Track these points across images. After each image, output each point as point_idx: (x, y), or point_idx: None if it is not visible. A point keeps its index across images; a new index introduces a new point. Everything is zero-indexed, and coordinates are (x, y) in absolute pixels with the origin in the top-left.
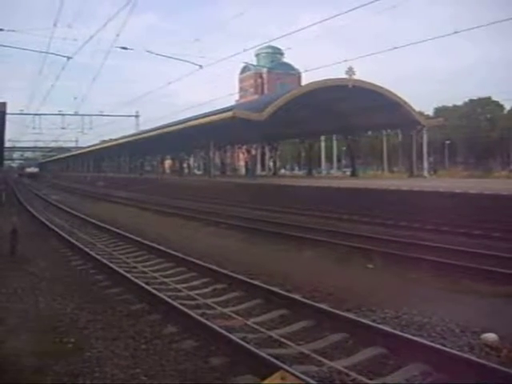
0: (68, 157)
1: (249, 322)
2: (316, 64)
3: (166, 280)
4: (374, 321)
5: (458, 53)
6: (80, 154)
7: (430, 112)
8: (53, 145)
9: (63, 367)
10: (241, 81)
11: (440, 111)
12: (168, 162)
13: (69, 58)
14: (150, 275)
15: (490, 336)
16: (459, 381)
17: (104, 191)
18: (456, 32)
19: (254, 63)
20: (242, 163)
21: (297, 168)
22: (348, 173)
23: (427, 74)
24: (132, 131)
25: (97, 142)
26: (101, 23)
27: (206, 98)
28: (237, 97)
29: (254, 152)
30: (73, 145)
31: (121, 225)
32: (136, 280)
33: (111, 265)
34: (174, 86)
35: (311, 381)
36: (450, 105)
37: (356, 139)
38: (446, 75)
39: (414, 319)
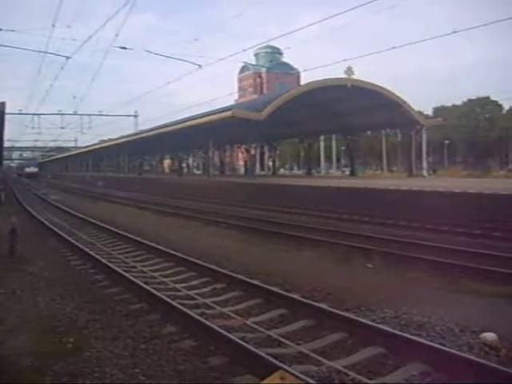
0: (67, 157)
1: (248, 322)
2: (315, 64)
3: (165, 280)
4: (373, 320)
5: (457, 53)
6: (79, 153)
7: (429, 112)
8: (52, 144)
9: (62, 367)
10: (240, 80)
11: (439, 111)
12: (167, 162)
13: (68, 57)
14: (149, 275)
15: (490, 335)
16: (458, 380)
17: (103, 191)
18: (455, 32)
19: (253, 63)
20: (241, 163)
21: (296, 168)
22: (347, 172)
23: (426, 74)
24: (131, 131)
25: (96, 141)
26: (100, 23)
27: (205, 97)
28: (236, 96)
29: (253, 152)
30: (72, 144)
31: (120, 224)
32: (135, 280)
33: (110, 264)
34: (173, 85)
35: (310, 380)
36: (449, 104)
37: (355, 139)
38: (444, 75)
39: (413, 319)
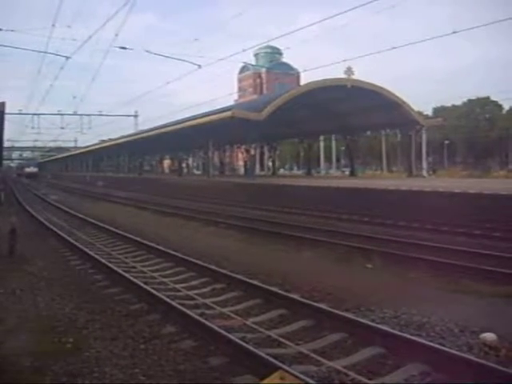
0: (67, 157)
1: (248, 322)
2: (315, 64)
3: (164, 280)
4: (372, 320)
5: (457, 53)
6: (79, 153)
7: (428, 112)
8: (52, 145)
9: (62, 367)
10: (240, 80)
11: (439, 111)
12: (167, 162)
13: (68, 57)
14: (148, 275)
15: (489, 336)
16: (458, 381)
17: (103, 191)
18: (454, 32)
19: (253, 63)
20: (240, 163)
21: (296, 168)
22: (347, 172)
23: (426, 74)
24: (131, 131)
25: (96, 141)
26: (100, 23)
27: (204, 97)
28: (236, 96)
29: (252, 152)
30: (72, 145)
31: (120, 224)
32: (135, 280)
33: (110, 265)
34: (173, 85)
35: (310, 381)
36: (449, 105)
37: (355, 139)
38: (444, 75)
39: (413, 319)
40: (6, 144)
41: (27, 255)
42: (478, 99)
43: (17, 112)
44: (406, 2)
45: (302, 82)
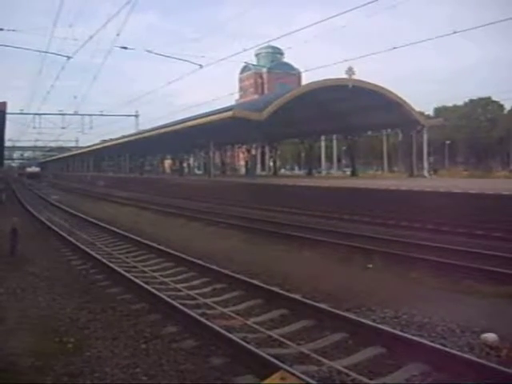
0: (68, 156)
1: (249, 322)
2: (316, 64)
3: (165, 280)
4: (373, 320)
5: (459, 53)
6: (80, 153)
7: (430, 112)
8: (53, 144)
9: (63, 367)
10: (241, 80)
11: (440, 111)
12: (168, 162)
13: (69, 57)
14: (149, 275)
15: (490, 336)
16: (459, 381)
17: (104, 191)
18: (455, 32)
19: (254, 63)
20: (242, 163)
21: (297, 168)
22: (348, 173)
23: (427, 74)
24: (132, 131)
25: (97, 141)
26: (101, 23)
27: (206, 97)
28: (237, 96)
29: (253, 152)
30: (73, 144)
31: (121, 224)
32: (136, 280)
33: (111, 264)
34: (174, 85)
35: (311, 381)
36: (450, 105)
37: (356, 139)
38: (446, 75)
39: (414, 319)
40: (7, 144)
41: (28, 255)
42: (480, 99)
43: (18, 112)
44: (407, 2)
45: (303, 82)
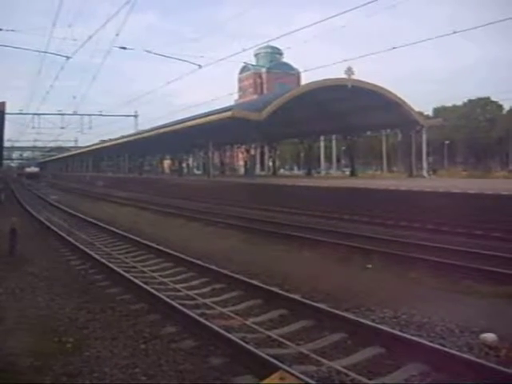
0: (67, 157)
1: (248, 322)
2: (315, 64)
3: (165, 280)
4: (373, 320)
5: (458, 53)
6: (79, 153)
7: (429, 112)
8: (52, 144)
9: (62, 367)
10: (240, 80)
11: (439, 111)
12: (167, 162)
13: (68, 57)
14: (148, 275)
15: (490, 336)
16: (458, 381)
17: (103, 191)
18: (455, 32)
19: (254, 63)
20: (241, 163)
21: (296, 168)
22: (347, 173)
23: (426, 74)
24: (131, 131)
25: (96, 141)
26: (100, 23)
27: (205, 97)
28: (236, 96)
29: (253, 152)
30: (72, 145)
31: (120, 224)
32: (135, 280)
33: (110, 264)
34: (174, 85)
35: (310, 381)
36: (450, 105)
37: (355, 139)
38: (445, 75)
39: (413, 319)
40: (6, 144)
41: (27, 255)
42: (479, 99)
43: (17, 112)
44: (407, 2)
45: (303, 81)
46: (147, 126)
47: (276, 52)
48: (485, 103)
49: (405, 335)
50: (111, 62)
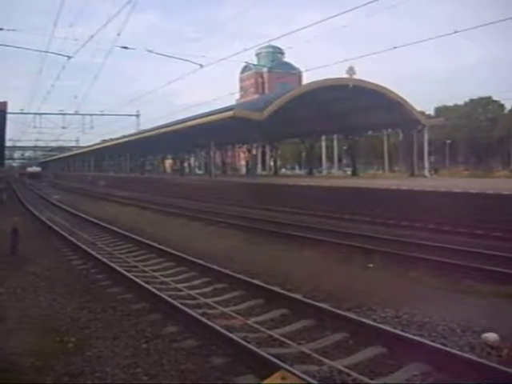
0: (69, 156)
1: (249, 322)
2: (316, 63)
3: (166, 279)
4: (374, 320)
5: (459, 52)
6: (81, 153)
7: (430, 111)
8: (53, 144)
9: (64, 367)
10: (241, 80)
11: (441, 111)
12: (169, 162)
13: (69, 57)
14: (150, 274)
15: (491, 336)
16: (460, 381)
17: (105, 190)
18: (456, 32)
19: (255, 63)
20: (242, 163)
21: (297, 167)
22: (349, 172)
23: (428, 74)
24: (133, 131)
25: (97, 141)
26: (102, 22)
27: (206, 97)
28: (237, 96)
29: (254, 151)
30: (73, 144)
31: (121, 224)
32: (136, 279)
33: (112, 264)
34: (175, 85)
35: (312, 380)
36: (451, 104)
37: (357, 139)
38: (446, 75)
39: (414, 319)
40: (7, 143)
41: (29, 255)
42: (480, 99)
43: (18, 111)
44: (407, 2)
45: (304, 81)
46: (148, 126)
47: (277, 52)
48: (486, 103)
49: (406, 335)
50: (112, 62)
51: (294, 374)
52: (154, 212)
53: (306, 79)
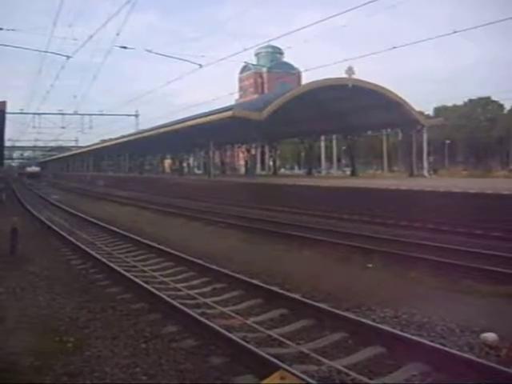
0: (68, 156)
1: (248, 322)
2: (316, 63)
3: (165, 279)
4: (373, 320)
5: (458, 52)
6: (80, 153)
7: (429, 112)
8: (53, 144)
9: (63, 366)
10: (241, 80)
11: (440, 111)
12: (168, 162)
13: (68, 57)
14: (149, 274)
15: (490, 335)
16: (459, 381)
17: (104, 190)
18: (455, 32)
19: (254, 62)
20: (241, 162)
21: (297, 167)
22: (348, 172)
23: (427, 74)
24: (132, 130)
25: (97, 141)
26: (101, 22)
27: (205, 97)
28: (237, 96)
29: (253, 151)
30: (73, 144)
31: (120, 224)
32: (136, 279)
33: (111, 264)
34: (174, 85)
35: (311, 380)
36: (450, 104)
37: (356, 139)
38: (445, 75)
39: (413, 318)
40: (6, 143)
41: (28, 254)
42: (480, 99)
43: (18, 111)
44: (407, 2)
45: (303, 81)
46: (148, 126)
47: (277, 52)
48: (485, 103)
49: (405, 335)
50: (112, 62)
51: (293, 374)
52: (153, 212)
53: (306, 79)
